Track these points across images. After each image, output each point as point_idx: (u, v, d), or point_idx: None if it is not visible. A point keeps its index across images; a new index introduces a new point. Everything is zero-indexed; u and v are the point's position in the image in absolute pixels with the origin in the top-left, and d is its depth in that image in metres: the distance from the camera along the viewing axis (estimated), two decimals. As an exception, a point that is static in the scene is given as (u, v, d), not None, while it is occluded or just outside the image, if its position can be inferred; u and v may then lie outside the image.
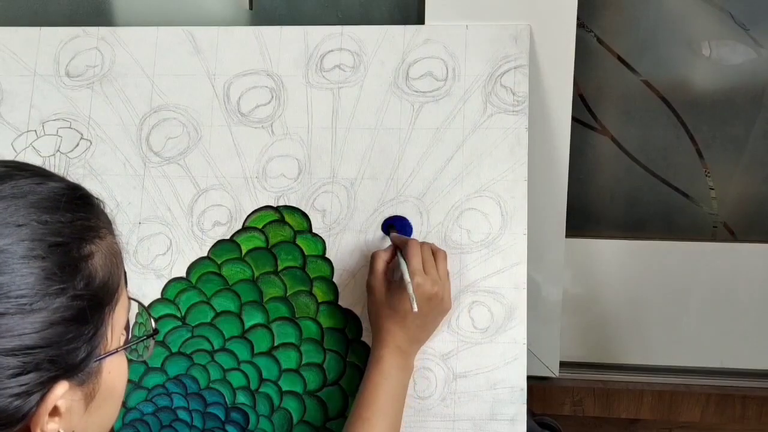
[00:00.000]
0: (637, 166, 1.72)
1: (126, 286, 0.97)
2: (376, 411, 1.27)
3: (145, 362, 1.40)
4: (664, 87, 1.66)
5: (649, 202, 1.75)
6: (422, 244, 1.34)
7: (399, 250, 1.34)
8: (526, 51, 1.44)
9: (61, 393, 0.86)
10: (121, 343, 0.95)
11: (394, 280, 1.32)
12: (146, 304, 1.40)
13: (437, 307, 1.32)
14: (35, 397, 0.84)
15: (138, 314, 1.05)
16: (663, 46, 1.64)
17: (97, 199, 0.95)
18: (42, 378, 0.84)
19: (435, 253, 1.34)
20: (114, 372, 0.95)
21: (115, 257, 0.94)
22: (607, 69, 1.66)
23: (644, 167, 1.72)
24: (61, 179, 0.93)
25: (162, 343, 1.40)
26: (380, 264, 1.34)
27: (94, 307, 0.89)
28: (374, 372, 1.30)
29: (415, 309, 1.25)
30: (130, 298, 0.99)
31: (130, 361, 1.00)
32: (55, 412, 0.86)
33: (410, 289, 1.26)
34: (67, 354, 0.86)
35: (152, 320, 1.05)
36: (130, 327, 1.02)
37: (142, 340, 1.04)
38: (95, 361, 0.90)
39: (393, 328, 1.31)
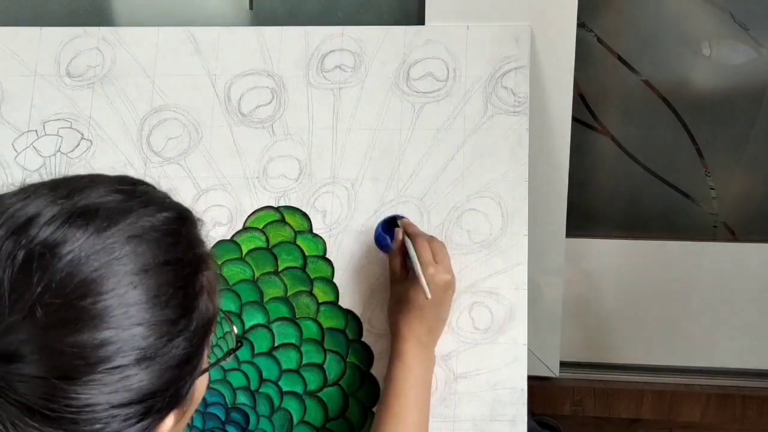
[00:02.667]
0: (637, 166, 1.72)
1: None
2: (405, 405, 1.26)
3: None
4: (665, 87, 1.67)
5: (650, 201, 1.75)
6: (429, 237, 1.33)
7: (409, 239, 1.33)
8: (527, 52, 1.44)
9: (170, 425, 0.88)
10: (208, 357, 0.95)
11: (410, 279, 1.31)
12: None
13: (450, 295, 1.32)
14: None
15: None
16: (663, 45, 1.64)
17: (200, 220, 0.93)
18: (158, 418, 0.85)
19: (441, 243, 1.34)
20: (202, 385, 0.95)
21: (217, 282, 0.94)
22: (608, 69, 1.66)
23: (644, 167, 1.72)
24: (170, 204, 0.90)
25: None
26: (397, 260, 1.34)
27: (201, 341, 0.89)
28: (398, 366, 1.29)
29: (429, 296, 1.25)
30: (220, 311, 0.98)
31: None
32: None
33: (422, 278, 1.25)
34: (179, 390, 0.87)
35: (235, 329, 1.04)
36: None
37: (232, 354, 1.03)
38: (192, 383, 0.90)
39: (412, 321, 1.30)
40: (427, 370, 1.32)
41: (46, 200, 0.84)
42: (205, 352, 0.92)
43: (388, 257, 1.36)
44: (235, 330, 1.05)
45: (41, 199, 0.84)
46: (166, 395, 0.85)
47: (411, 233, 1.34)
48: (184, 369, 0.87)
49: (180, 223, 0.89)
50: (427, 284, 1.26)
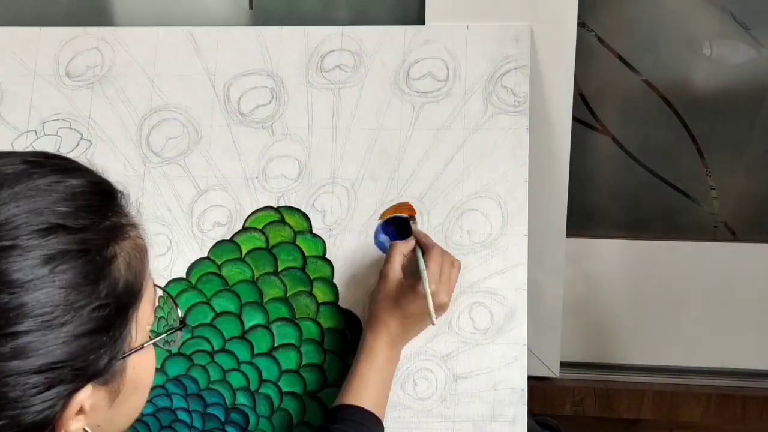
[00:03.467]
0: (637, 165, 1.72)
1: (151, 278, 0.94)
2: (364, 398, 1.26)
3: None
4: (665, 86, 1.66)
5: (650, 201, 1.75)
6: (444, 253, 1.32)
7: (420, 248, 1.33)
8: (527, 51, 1.44)
9: (85, 396, 0.84)
10: (148, 333, 0.93)
11: (408, 278, 1.31)
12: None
13: (438, 313, 1.32)
14: (60, 404, 0.82)
15: (158, 306, 1.01)
16: (664, 45, 1.64)
17: (120, 192, 0.91)
18: (67, 390, 0.83)
19: (452, 263, 1.33)
20: (139, 366, 0.92)
21: (140, 253, 0.91)
22: (608, 68, 1.66)
23: (645, 167, 1.72)
24: (82, 173, 0.89)
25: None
26: (398, 256, 1.33)
27: (118, 312, 0.87)
28: (364, 363, 1.29)
29: (435, 323, 1.25)
30: (156, 286, 0.96)
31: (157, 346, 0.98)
32: (80, 411, 0.85)
33: (430, 304, 1.24)
34: (91, 363, 0.84)
35: (179, 310, 1.03)
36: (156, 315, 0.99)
37: (169, 333, 1.01)
38: (120, 360, 0.88)
39: (391, 322, 1.30)
40: (392, 369, 1.33)
41: None
42: (133, 329, 0.90)
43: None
44: (180, 313, 1.04)
45: None
46: (74, 366, 0.82)
47: (425, 244, 1.33)
48: (98, 340, 0.84)
49: (87, 190, 0.87)
50: (423, 299, 1.26)
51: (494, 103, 1.42)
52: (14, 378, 0.79)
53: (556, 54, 1.49)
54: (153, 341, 0.95)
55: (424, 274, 1.27)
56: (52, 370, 0.81)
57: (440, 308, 1.29)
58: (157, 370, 1.36)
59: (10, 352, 0.78)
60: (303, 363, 1.39)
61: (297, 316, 1.40)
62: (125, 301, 0.88)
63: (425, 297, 1.25)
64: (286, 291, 1.41)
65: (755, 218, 1.75)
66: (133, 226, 0.91)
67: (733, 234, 1.75)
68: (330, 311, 1.40)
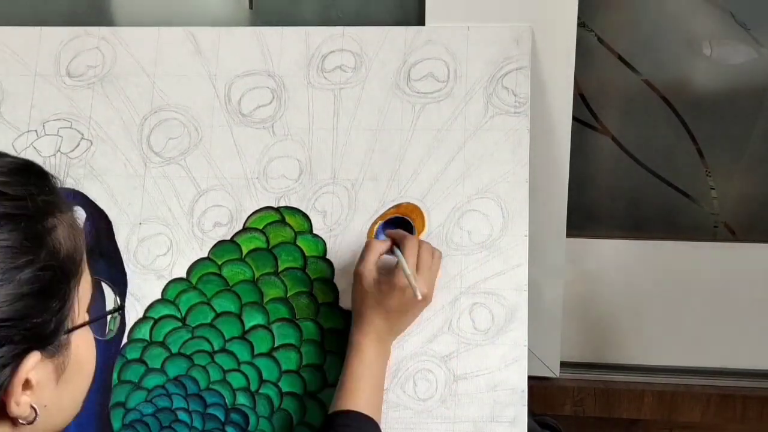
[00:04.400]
0: (637, 165, 1.72)
1: (87, 265, 0.98)
2: (359, 400, 1.27)
3: (143, 361, 1.39)
4: (665, 86, 1.66)
5: (650, 201, 1.75)
6: (420, 242, 1.33)
7: (396, 245, 1.34)
8: (528, 52, 1.44)
9: (32, 364, 0.87)
10: (87, 317, 0.97)
11: (383, 275, 1.31)
12: (146, 304, 1.40)
13: (421, 305, 1.33)
14: (8, 370, 0.85)
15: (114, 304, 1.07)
16: (664, 45, 1.64)
17: (53, 176, 0.96)
18: (15, 351, 0.85)
19: (432, 253, 1.34)
20: (82, 346, 0.96)
21: (77, 231, 0.95)
22: (608, 68, 1.66)
23: (645, 167, 1.72)
24: (14, 156, 0.94)
25: (162, 344, 1.40)
26: (373, 254, 1.33)
27: (60, 279, 0.91)
28: (355, 362, 1.30)
29: (419, 296, 1.25)
30: (93, 278, 1.00)
31: (97, 340, 1.01)
32: (27, 385, 0.87)
33: (412, 281, 1.25)
34: (37, 326, 0.87)
35: (116, 297, 1.07)
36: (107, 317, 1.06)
37: (107, 315, 1.06)
38: (64, 334, 0.91)
39: (375, 319, 1.31)
40: (383, 365, 1.33)
41: None
42: (75, 304, 0.94)
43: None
44: (118, 300, 1.08)
45: None
46: (20, 326, 0.85)
47: (400, 236, 1.34)
48: (42, 303, 0.88)
49: (22, 168, 0.92)
50: (402, 290, 1.27)
51: (495, 104, 1.42)
52: None
53: (556, 54, 1.49)
54: (93, 319, 0.99)
55: (401, 256, 1.29)
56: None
57: (421, 300, 1.29)
58: (156, 370, 1.38)
59: None
60: (303, 363, 1.39)
61: (297, 317, 1.40)
62: (67, 270, 0.92)
63: (406, 275, 1.26)
64: (286, 291, 1.41)
65: (755, 218, 1.75)
66: (68, 206, 0.96)
67: (733, 234, 1.75)
68: (330, 311, 1.40)
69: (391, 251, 1.34)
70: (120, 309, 1.08)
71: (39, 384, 0.89)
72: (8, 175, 0.89)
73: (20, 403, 0.87)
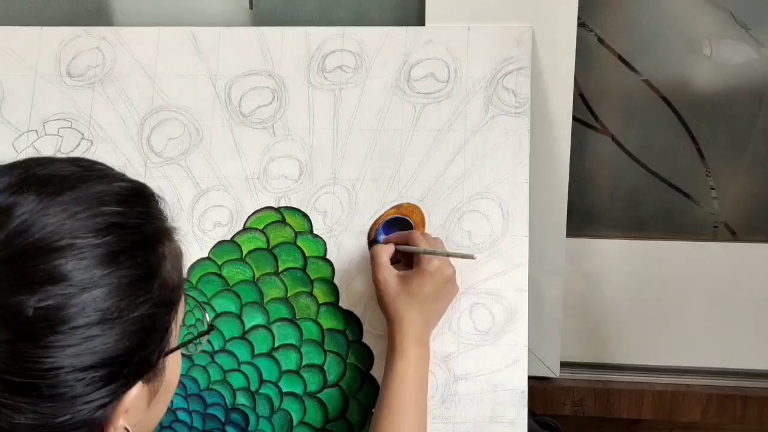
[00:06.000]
0: (637, 165, 1.72)
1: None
2: (404, 403, 1.26)
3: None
4: (665, 86, 1.66)
5: (650, 201, 1.74)
6: (423, 233, 1.35)
7: (403, 244, 1.34)
8: (528, 53, 1.44)
9: (135, 394, 0.88)
10: (177, 338, 0.96)
11: (402, 270, 1.32)
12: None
13: (451, 288, 1.33)
14: (113, 403, 0.86)
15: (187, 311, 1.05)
16: (664, 45, 1.64)
17: (159, 197, 0.95)
18: (121, 385, 0.86)
19: (434, 239, 1.35)
20: (172, 367, 0.96)
21: (180, 255, 0.95)
22: (608, 68, 1.66)
23: (645, 167, 1.72)
24: (126, 178, 0.92)
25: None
26: (384, 256, 1.33)
27: (167, 310, 0.90)
28: (400, 364, 1.28)
29: (475, 257, 1.28)
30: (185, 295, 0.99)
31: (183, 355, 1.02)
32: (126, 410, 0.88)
33: (451, 252, 1.28)
34: (143, 359, 0.88)
35: (207, 315, 1.06)
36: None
37: (201, 336, 1.05)
38: (162, 358, 0.91)
39: (412, 314, 1.30)
40: (426, 366, 1.32)
41: (3, 171, 0.87)
42: (174, 330, 0.93)
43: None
44: (208, 317, 1.06)
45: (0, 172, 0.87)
46: (131, 361, 0.85)
47: (402, 236, 1.35)
48: (150, 336, 0.87)
49: (136, 194, 0.91)
50: (432, 275, 1.27)
51: (495, 105, 1.42)
52: (79, 373, 0.82)
53: (556, 54, 1.49)
54: (190, 341, 1.00)
55: (420, 249, 1.30)
56: (112, 364, 0.84)
57: (448, 280, 1.30)
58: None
59: (75, 348, 0.81)
60: (303, 363, 1.39)
61: (297, 317, 1.40)
62: (173, 299, 0.92)
63: (437, 254, 1.28)
64: (286, 291, 1.41)
65: (755, 218, 1.75)
66: (173, 230, 0.95)
67: (733, 234, 1.75)
68: (330, 312, 1.40)
69: (396, 254, 1.34)
70: (210, 331, 1.07)
71: (134, 408, 0.89)
72: (124, 203, 0.88)
73: (117, 427, 0.87)
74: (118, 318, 0.83)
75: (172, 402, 1.37)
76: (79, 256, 0.82)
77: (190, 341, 1.00)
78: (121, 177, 0.92)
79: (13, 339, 0.79)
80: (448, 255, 1.30)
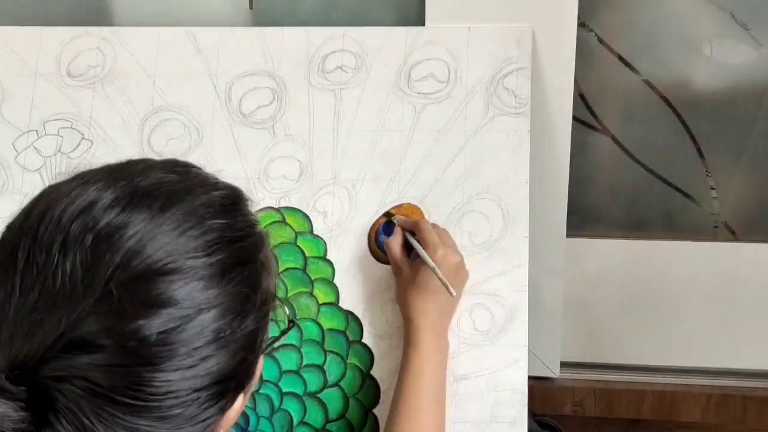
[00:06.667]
0: (637, 165, 1.72)
1: None
2: (421, 397, 1.26)
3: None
4: (665, 86, 1.66)
5: (650, 201, 1.75)
6: (432, 224, 1.34)
7: (410, 232, 1.34)
8: (529, 53, 1.44)
9: (240, 403, 0.88)
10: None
11: (413, 260, 1.32)
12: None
13: (463, 275, 1.33)
14: (220, 414, 0.86)
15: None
16: (664, 45, 1.64)
17: (248, 198, 0.94)
18: (232, 399, 0.86)
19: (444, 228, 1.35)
20: (259, 367, 0.95)
21: (271, 261, 0.93)
22: (608, 68, 1.66)
23: (645, 167, 1.72)
24: (221, 183, 0.91)
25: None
26: (396, 249, 1.34)
27: (266, 319, 0.90)
28: (414, 358, 1.28)
29: (453, 293, 1.25)
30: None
31: None
32: None
33: (440, 274, 1.25)
34: (247, 369, 0.88)
35: (287, 310, 1.04)
36: None
37: (286, 334, 1.05)
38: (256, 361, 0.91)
39: (425, 307, 1.29)
40: (443, 358, 1.31)
41: (106, 184, 0.84)
42: (268, 330, 0.93)
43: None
44: (288, 311, 1.05)
45: (100, 184, 0.84)
46: (238, 375, 0.86)
47: (411, 224, 1.35)
48: (253, 348, 0.87)
49: (236, 200, 0.90)
50: (439, 266, 1.26)
51: (495, 105, 1.42)
52: (194, 393, 0.81)
53: (556, 54, 1.49)
54: (276, 340, 1.00)
55: (422, 251, 1.29)
56: (225, 381, 0.84)
57: (459, 267, 1.30)
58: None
59: (192, 370, 0.80)
60: (303, 363, 1.39)
61: (297, 317, 1.40)
62: (269, 307, 0.91)
63: (434, 271, 1.26)
64: (286, 291, 1.41)
65: (755, 218, 1.75)
66: (267, 233, 0.93)
67: (733, 234, 1.75)
68: (331, 312, 1.40)
69: (406, 241, 1.34)
70: (291, 327, 1.07)
71: (233, 412, 0.89)
72: (227, 213, 0.87)
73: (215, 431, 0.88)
74: (230, 336, 0.83)
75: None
76: (194, 277, 0.80)
77: (275, 340, 0.99)
78: (217, 182, 0.91)
79: (133, 363, 0.78)
80: (434, 271, 1.28)
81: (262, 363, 0.96)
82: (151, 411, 0.80)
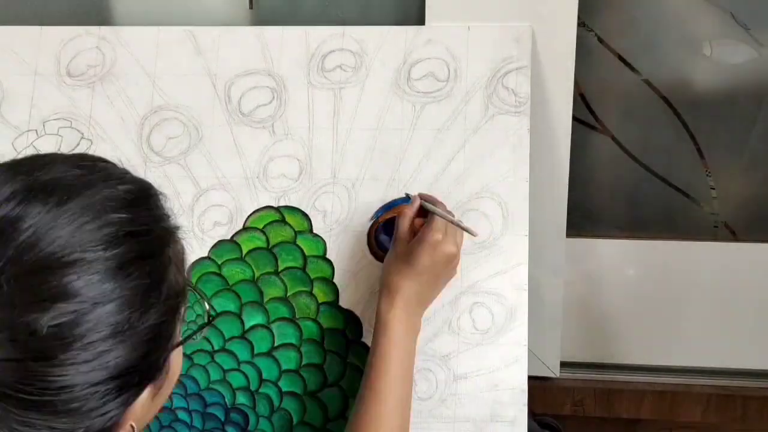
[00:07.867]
0: (637, 165, 1.72)
1: None
2: (388, 381, 1.23)
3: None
4: (665, 86, 1.66)
5: (650, 201, 1.75)
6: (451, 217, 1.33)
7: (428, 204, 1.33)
8: (528, 52, 1.44)
9: (145, 397, 0.88)
10: (179, 333, 0.95)
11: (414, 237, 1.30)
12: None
13: (451, 269, 1.31)
14: (123, 408, 0.85)
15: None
16: (664, 45, 1.64)
17: (161, 194, 0.92)
18: (133, 391, 0.85)
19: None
20: (175, 360, 0.95)
21: (183, 255, 0.93)
22: (608, 68, 1.66)
23: (645, 167, 1.72)
24: (129, 177, 0.90)
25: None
26: (406, 221, 1.31)
27: (175, 313, 0.89)
28: (382, 341, 1.25)
29: (476, 234, 1.28)
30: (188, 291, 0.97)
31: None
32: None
33: (456, 221, 1.27)
34: (152, 363, 0.87)
35: (208, 306, 1.03)
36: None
37: (203, 329, 1.02)
38: (167, 357, 0.91)
39: (404, 284, 1.26)
40: (412, 342, 1.28)
41: (5, 178, 0.84)
42: (178, 327, 0.92)
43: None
44: (207, 306, 1.04)
45: (1, 178, 0.84)
46: (141, 369, 0.85)
47: (432, 200, 1.33)
48: (158, 342, 0.86)
49: (142, 195, 0.89)
50: (431, 246, 1.25)
51: (495, 104, 1.42)
52: (92, 388, 0.81)
53: (556, 54, 1.49)
54: (192, 335, 0.98)
55: (438, 211, 1.28)
56: (125, 375, 0.83)
57: (450, 260, 1.28)
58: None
59: (88, 365, 0.80)
60: (303, 363, 1.39)
61: (297, 316, 1.40)
62: (179, 302, 0.90)
63: (449, 220, 1.27)
64: (286, 291, 1.41)
65: (755, 218, 1.75)
66: (177, 228, 0.93)
67: (733, 234, 1.75)
68: (330, 311, 1.40)
69: (420, 210, 1.33)
70: (210, 323, 1.04)
71: (139, 405, 0.88)
72: (130, 207, 0.86)
73: (126, 428, 0.87)
74: (129, 330, 0.82)
75: (171, 401, 1.38)
76: (90, 271, 0.80)
77: (191, 336, 0.98)
78: (123, 177, 0.89)
79: (25, 358, 0.78)
80: (452, 221, 1.27)
81: (179, 359, 0.96)
82: (45, 405, 0.79)
